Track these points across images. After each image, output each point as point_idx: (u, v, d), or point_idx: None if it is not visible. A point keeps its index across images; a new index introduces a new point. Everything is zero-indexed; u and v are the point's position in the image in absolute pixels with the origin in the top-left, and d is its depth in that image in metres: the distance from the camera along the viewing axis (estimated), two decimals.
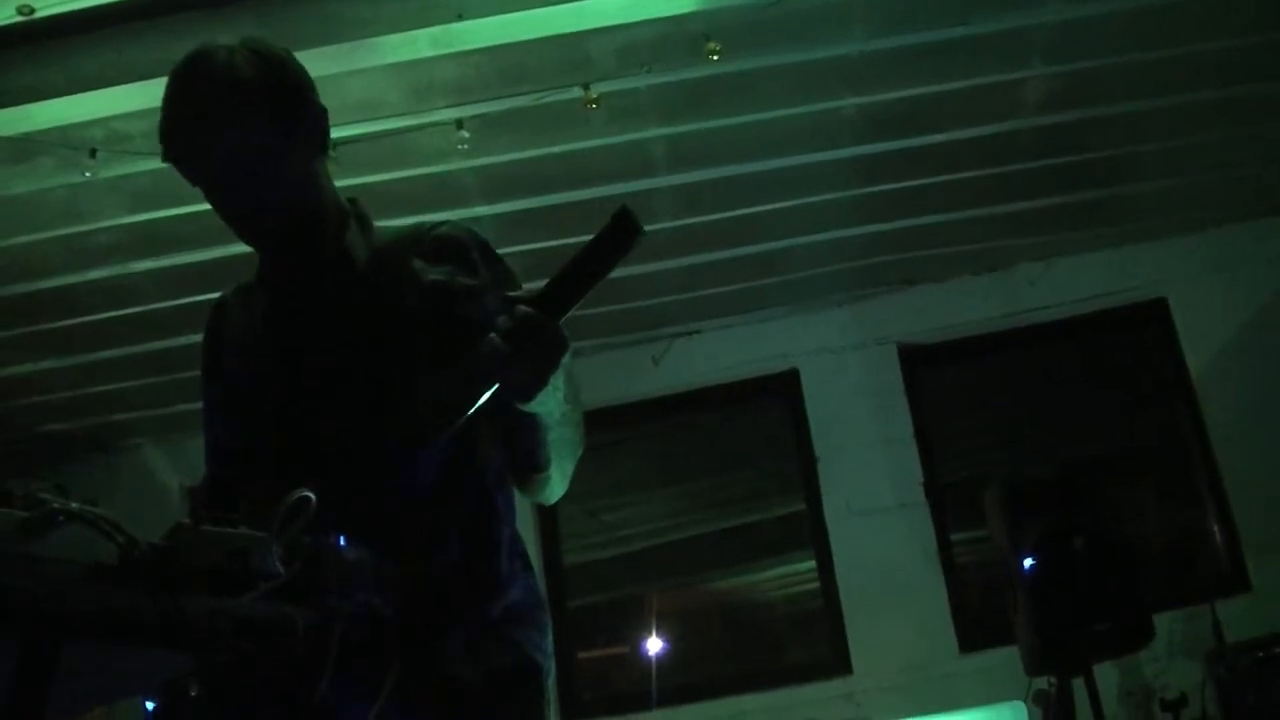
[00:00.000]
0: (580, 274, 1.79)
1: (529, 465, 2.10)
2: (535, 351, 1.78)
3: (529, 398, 1.84)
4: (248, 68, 2.09)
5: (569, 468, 2.15)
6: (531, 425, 1.98)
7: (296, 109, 2.15)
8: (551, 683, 2.19)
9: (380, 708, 1.79)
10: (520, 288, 2.21)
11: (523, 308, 1.78)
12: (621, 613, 7.24)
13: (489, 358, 1.77)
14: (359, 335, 2.15)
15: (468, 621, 2.08)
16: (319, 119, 2.20)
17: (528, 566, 2.24)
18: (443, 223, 2.28)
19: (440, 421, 1.92)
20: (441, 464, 2.10)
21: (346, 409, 2.11)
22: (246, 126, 2.08)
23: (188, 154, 2.12)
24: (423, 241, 2.23)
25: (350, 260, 2.21)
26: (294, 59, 2.19)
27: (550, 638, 2.21)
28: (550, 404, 1.91)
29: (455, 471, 2.11)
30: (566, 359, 1.84)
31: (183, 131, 2.10)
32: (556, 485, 2.16)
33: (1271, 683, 5.29)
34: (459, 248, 2.22)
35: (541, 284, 1.80)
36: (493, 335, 1.78)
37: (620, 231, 1.78)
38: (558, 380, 1.85)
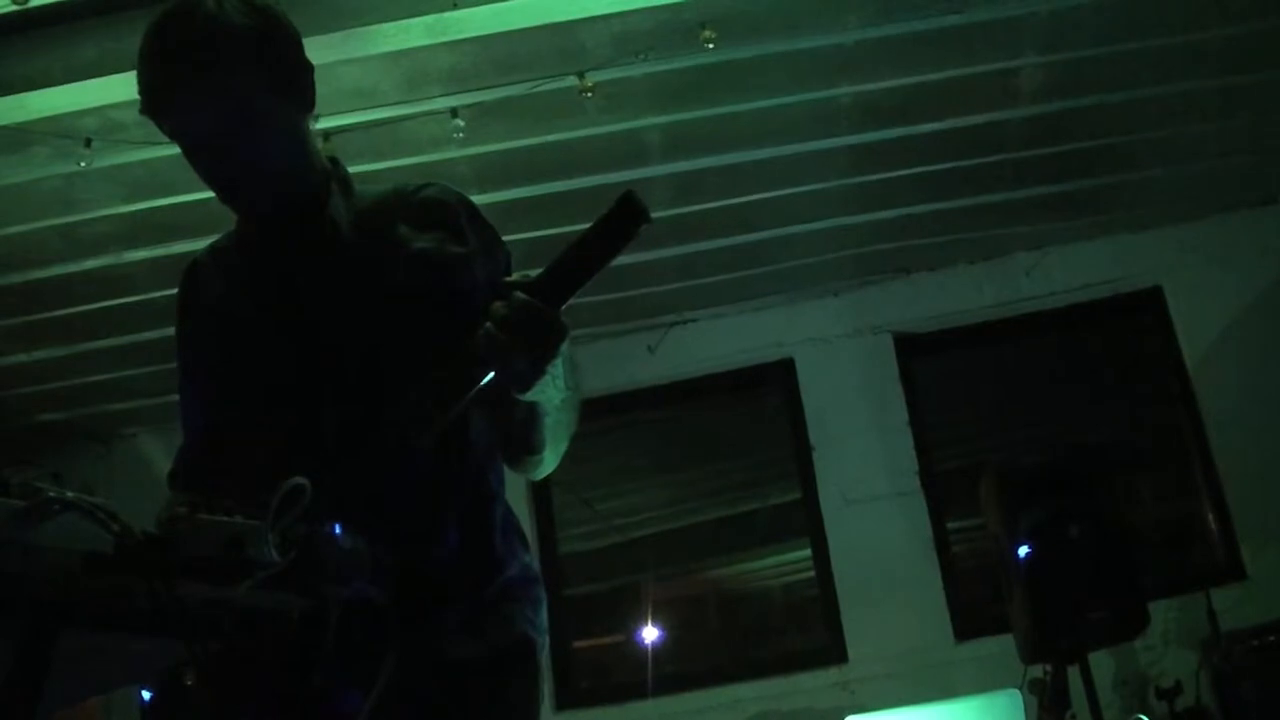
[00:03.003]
0: (582, 260, 1.72)
1: (524, 449, 2.06)
2: (534, 341, 1.73)
3: (527, 388, 1.79)
4: (238, 15, 1.99)
5: (563, 448, 2.10)
6: (529, 412, 1.94)
7: (287, 62, 2.07)
8: (546, 657, 2.17)
9: (377, 695, 1.79)
10: (506, 251, 2.18)
11: (520, 295, 1.72)
12: (617, 602, 7.24)
13: (485, 347, 1.72)
14: (346, 311, 2.09)
15: (463, 602, 2.05)
16: (307, 74, 2.11)
17: (523, 541, 2.21)
18: (427, 184, 2.21)
19: (435, 414, 1.90)
20: (434, 447, 2.03)
21: (335, 389, 2.05)
22: (238, 78, 1.98)
23: (173, 108, 2.00)
24: (408, 205, 2.16)
25: (336, 229, 2.13)
26: (281, 9, 2.10)
27: (545, 613, 2.18)
28: (550, 392, 1.85)
29: (448, 454, 2.07)
30: (565, 346, 1.78)
31: (168, 83, 1.98)
32: (549, 464, 2.12)
33: (1266, 671, 5.30)
34: (446, 212, 2.15)
35: (539, 270, 1.75)
36: (489, 324, 1.72)
37: (625, 216, 1.71)
38: (557, 368, 1.80)
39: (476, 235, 2.15)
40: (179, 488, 2.22)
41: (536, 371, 1.77)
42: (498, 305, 1.73)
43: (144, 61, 1.99)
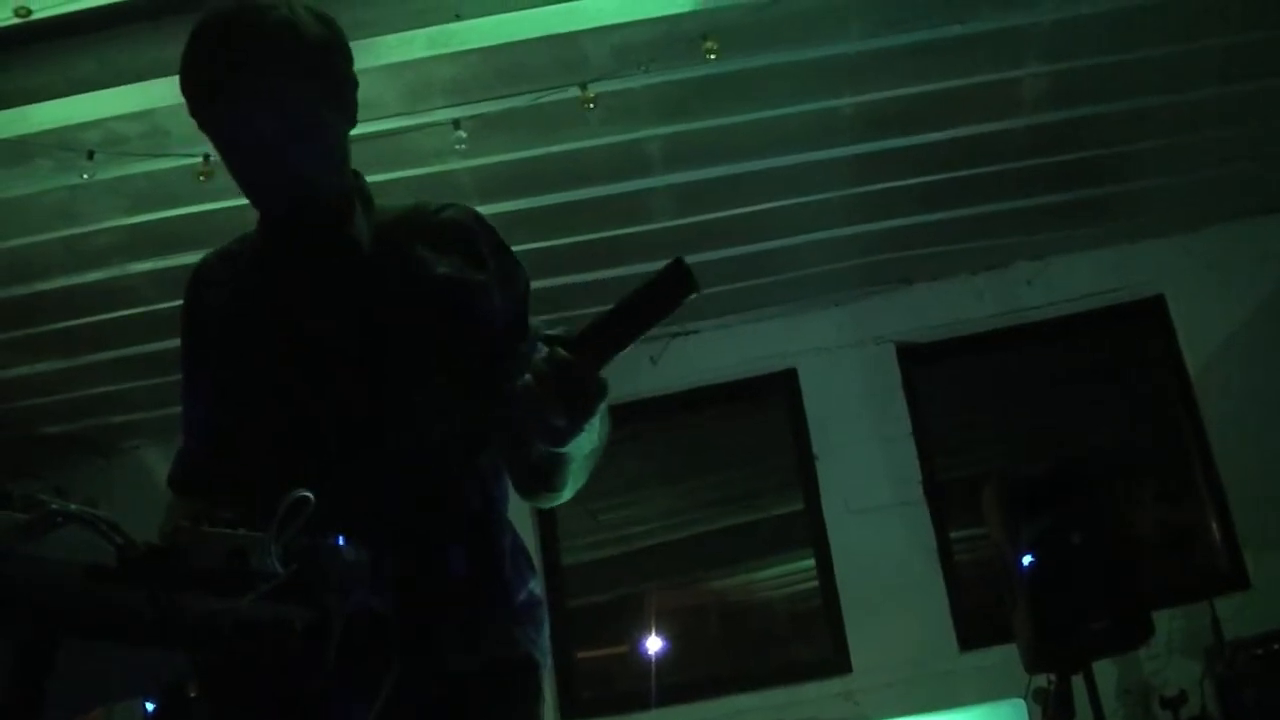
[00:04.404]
0: (627, 323, 1.72)
1: (544, 487, 2.07)
2: (573, 400, 1.74)
3: (563, 444, 1.80)
4: (312, 24, 1.98)
5: (581, 484, 2.10)
6: (556, 459, 1.94)
7: (343, 75, 2.06)
8: (548, 679, 2.16)
9: (379, 709, 1.78)
10: (525, 278, 2.17)
11: (562, 352, 1.72)
12: (621, 612, 7.24)
13: (524, 401, 1.73)
14: (357, 325, 2.05)
15: (468, 623, 2.03)
16: (355, 89, 2.11)
17: (530, 565, 2.18)
18: (448, 205, 2.19)
19: (464, 453, 1.90)
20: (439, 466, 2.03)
21: (340, 402, 2.02)
22: (304, 87, 1.96)
23: (237, 109, 1.94)
24: (428, 225, 2.14)
25: (357, 245, 2.09)
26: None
27: (546, 634, 2.16)
28: (582, 444, 1.86)
29: (459, 475, 2.05)
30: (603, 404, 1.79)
31: (230, 82, 1.92)
32: (563, 499, 2.12)
33: (1270, 679, 5.29)
34: (467, 235, 2.13)
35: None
36: (529, 377, 1.73)
37: (673, 283, 1.70)
38: (593, 423, 1.81)
39: (497, 261, 2.13)
40: (179, 490, 2.21)
41: (574, 429, 1.77)
42: (539, 360, 1.73)
43: (203, 57, 1.96)
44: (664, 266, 1.71)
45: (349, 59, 2.10)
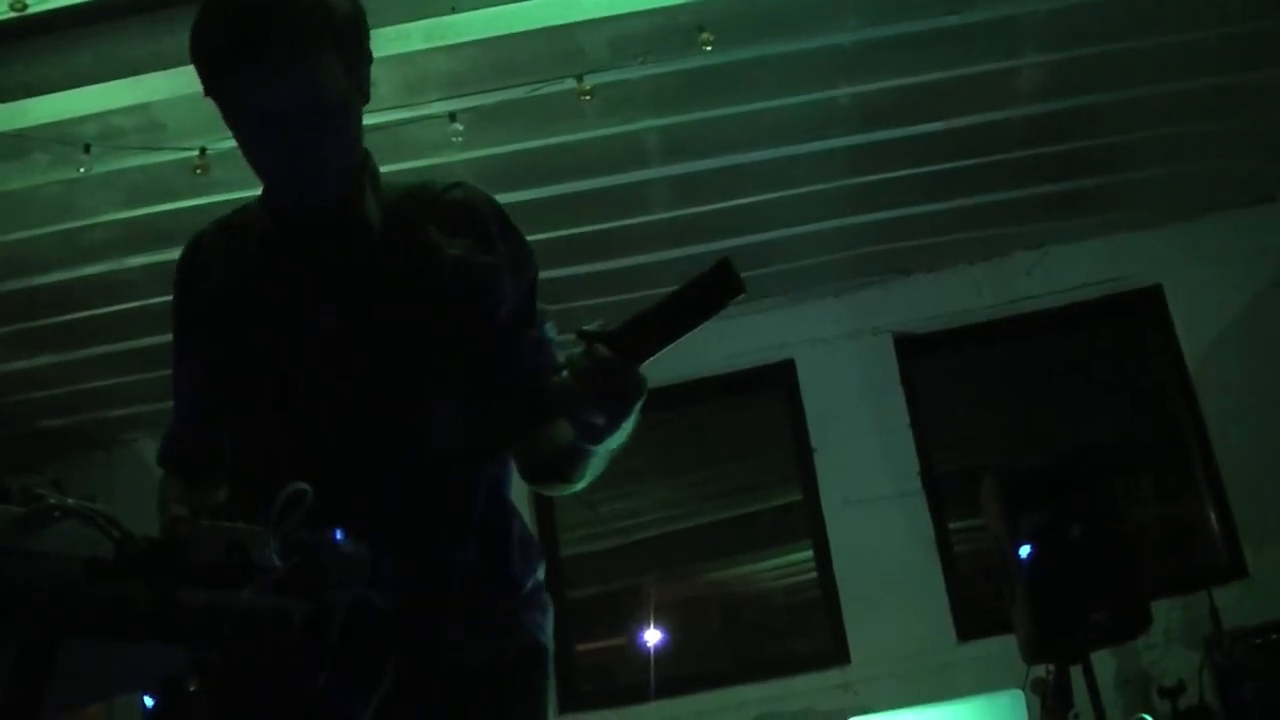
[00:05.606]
0: (668, 322, 1.70)
1: (558, 478, 2.05)
2: (611, 398, 1.73)
3: (598, 441, 1.80)
4: (343, 2, 1.92)
5: (597, 476, 2.07)
6: (581, 452, 1.93)
7: (366, 51, 2.00)
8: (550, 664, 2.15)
9: (379, 701, 1.78)
10: (534, 267, 2.13)
11: (602, 349, 1.70)
12: (619, 604, 7.24)
13: (562, 398, 1.72)
14: (365, 311, 1.99)
15: (476, 613, 2.01)
16: (370, 64, 2.03)
17: (538, 552, 2.16)
18: (456, 184, 2.12)
19: (492, 450, 1.91)
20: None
21: (340, 390, 1.97)
22: (332, 63, 1.88)
23: (258, 83, 1.84)
24: (437, 204, 2.07)
25: (369, 229, 2.03)
26: None
27: (551, 619, 2.13)
28: (613, 441, 1.85)
29: (463, 477, 2.02)
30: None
31: (259, 56, 1.82)
32: (577, 489, 2.10)
33: (1269, 669, 5.30)
34: (476, 217, 2.07)
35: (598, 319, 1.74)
36: (566, 373, 1.72)
37: (718, 285, 1.67)
38: (627, 421, 1.80)
39: (506, 245, 2.08)
40: (169, 468, 2.20)
41: (611, 426, 1.77)
42: (579, 357, 1.72)
43: (231, 22, 1.86)
44: (710, 267, 1.68)
45: (368, 33, 2.02)
